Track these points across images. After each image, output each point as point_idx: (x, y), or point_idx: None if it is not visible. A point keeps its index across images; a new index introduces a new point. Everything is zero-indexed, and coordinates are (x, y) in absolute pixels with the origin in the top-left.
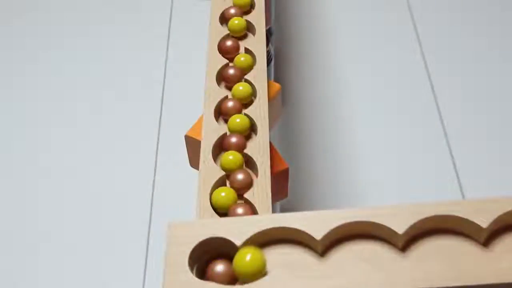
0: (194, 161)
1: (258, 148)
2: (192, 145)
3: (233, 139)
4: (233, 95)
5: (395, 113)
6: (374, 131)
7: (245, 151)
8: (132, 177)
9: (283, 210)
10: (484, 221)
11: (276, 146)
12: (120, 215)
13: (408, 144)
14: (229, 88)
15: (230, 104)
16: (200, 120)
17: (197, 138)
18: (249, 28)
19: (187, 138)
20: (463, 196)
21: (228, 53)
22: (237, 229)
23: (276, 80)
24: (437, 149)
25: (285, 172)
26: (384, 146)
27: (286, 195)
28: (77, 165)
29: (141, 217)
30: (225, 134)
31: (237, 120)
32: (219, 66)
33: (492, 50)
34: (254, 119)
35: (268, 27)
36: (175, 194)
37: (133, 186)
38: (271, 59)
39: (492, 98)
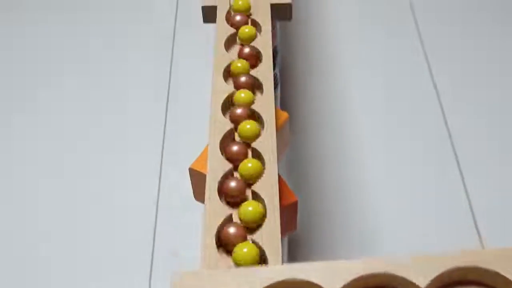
0: (199, 195)
1: (266, 184)
2: (197, 178)
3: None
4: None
5: (407, 136)
6: (387, 160)
7: (252, 188)
8: (135, 177)
9: (291, 241)
10: None
11: (284, 175)
12: (121, 215)
13: (419, 168)
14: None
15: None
16: (205, 151)
17: (202, 171)
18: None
19: (192, 171)
20: (474, 215)
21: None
22: (245, 280)
23: (283, 103)
24: (445, 156)
25: (294, 205)
26: (396, 173)
27: (295, 228)
28: (77, 166)
29: (143, 219)
30: (231, 169)
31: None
32: (225, 96)
33: (495, 51)
34: (262, 153)
35: (273, 46)
36: (179, 193)
37: (135, 187)
38: (278, 83)
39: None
